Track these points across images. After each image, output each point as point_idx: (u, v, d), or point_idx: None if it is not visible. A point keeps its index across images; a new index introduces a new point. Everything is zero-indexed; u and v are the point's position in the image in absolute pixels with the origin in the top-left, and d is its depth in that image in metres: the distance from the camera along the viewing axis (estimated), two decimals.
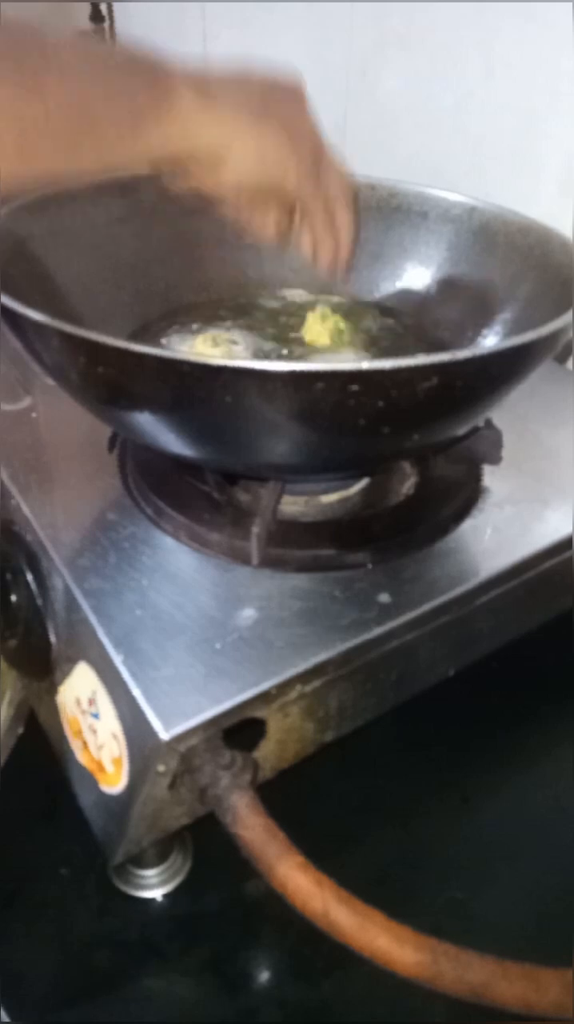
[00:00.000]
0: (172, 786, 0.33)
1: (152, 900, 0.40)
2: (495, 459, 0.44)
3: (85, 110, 0.32)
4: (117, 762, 0.35)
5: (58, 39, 0.32)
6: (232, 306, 0.53)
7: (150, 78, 0.34)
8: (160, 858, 0.41)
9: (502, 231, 0.47)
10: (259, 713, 0.34)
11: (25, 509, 0.42)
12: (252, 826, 0.30)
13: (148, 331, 0.49)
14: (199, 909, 0.40)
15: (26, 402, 0.51)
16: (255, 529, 0.38)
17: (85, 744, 0.37)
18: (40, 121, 0.31)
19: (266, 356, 0.47)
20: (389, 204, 0.52)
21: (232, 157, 0.37)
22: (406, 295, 0.52)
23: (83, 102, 0.32)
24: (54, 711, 0.40)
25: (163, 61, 0.35)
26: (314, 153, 0.39)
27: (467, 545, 0.41)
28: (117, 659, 0.34)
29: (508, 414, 0.43)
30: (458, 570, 0.39)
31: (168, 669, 0.33)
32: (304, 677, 0.34)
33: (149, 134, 0.34)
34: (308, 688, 0.35)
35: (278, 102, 0.38)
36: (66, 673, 0.38)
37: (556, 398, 0.54)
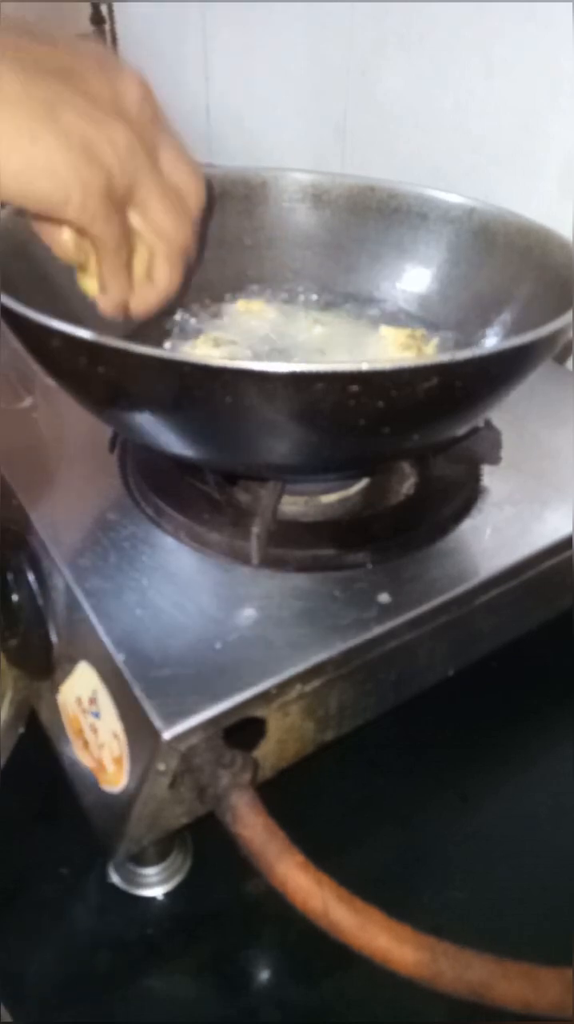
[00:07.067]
0: (172, 785, 0.33)
1: (152, 899, 0.40)
2: (495, 459, 0.44)
3: None
4: (118, 761, 0.35)
5: None
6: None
7: None
8: (160, 857, 0.41)
9: (502, 232, 0.47)
10: (259, 713, 0.34)
11: (25, 509, 0.42)
12: (252, 825, 0.30)
13: (148, 331, 0.49)
14: (199, 909, 0.40)
15: (26, 402, 0.51)
16: (255, 529, 0.39)
17: (86, 743, 0.38)
18: None
19: (267, 357, 0.47)
20: (389, 205, 0.52)
21: None
22: (406, 296, 0.52)
23: None
24: (55, 711, 0.40)
25: None
26: (124, 165, 0.31)
27: (467, 545, 0.41)
28: (118, 658, 0.34)
29: (508, 414, 0.43)
30: (458, 570, 0.39)
31: (168, 669, 0.33)
32: (304, 677, 0.34)
33: None
34: (308, 688, 0.35)
35: (76, 95, 0.30)
36: (67, 672, 0.38)
37: (556, 398, 0.54)
